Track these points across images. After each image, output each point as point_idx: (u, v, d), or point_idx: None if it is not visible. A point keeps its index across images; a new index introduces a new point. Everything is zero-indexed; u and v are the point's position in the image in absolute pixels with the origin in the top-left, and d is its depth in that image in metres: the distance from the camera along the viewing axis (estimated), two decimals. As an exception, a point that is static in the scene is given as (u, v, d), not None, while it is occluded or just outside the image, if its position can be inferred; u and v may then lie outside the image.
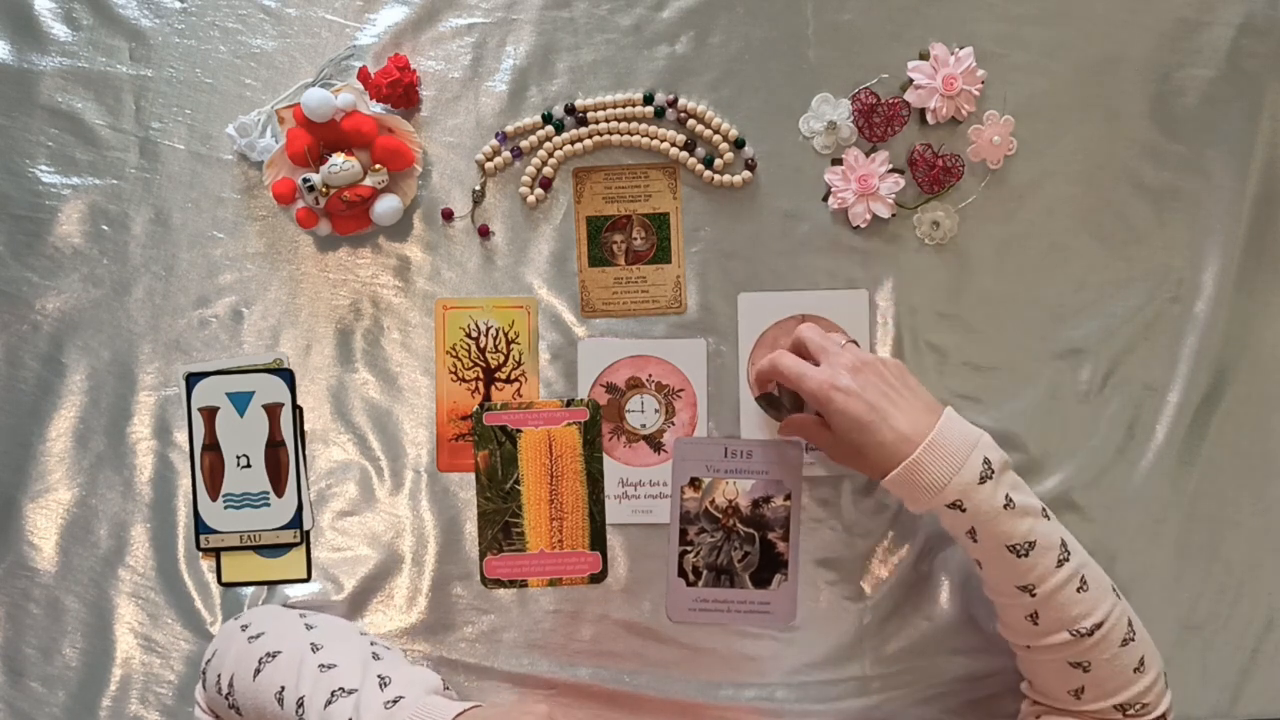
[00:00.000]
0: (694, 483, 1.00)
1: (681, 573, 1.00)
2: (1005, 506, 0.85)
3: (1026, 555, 0.85)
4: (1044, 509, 0.88)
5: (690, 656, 1.00)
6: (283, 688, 0.86)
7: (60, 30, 1.00)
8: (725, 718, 1.00)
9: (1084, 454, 1.01)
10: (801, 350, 0.94)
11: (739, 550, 1.00)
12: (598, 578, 1.01)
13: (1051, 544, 0.86)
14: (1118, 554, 1.01)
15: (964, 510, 0.86)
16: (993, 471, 0.86)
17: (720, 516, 1.00)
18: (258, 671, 0.88)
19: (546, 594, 1.01)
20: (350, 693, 0.83)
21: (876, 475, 0.88)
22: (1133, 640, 0.87)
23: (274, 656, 0.88)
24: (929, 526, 1.00)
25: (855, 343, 0.96)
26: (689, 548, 1.00)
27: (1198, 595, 1.02)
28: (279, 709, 0.85)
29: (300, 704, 0.84)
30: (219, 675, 0.91)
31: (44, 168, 1.00)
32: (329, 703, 0.83)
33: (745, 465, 1.00)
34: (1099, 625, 0.85)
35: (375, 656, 0.89)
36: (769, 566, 1.00)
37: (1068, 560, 0.86)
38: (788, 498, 1.00)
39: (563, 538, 1.01)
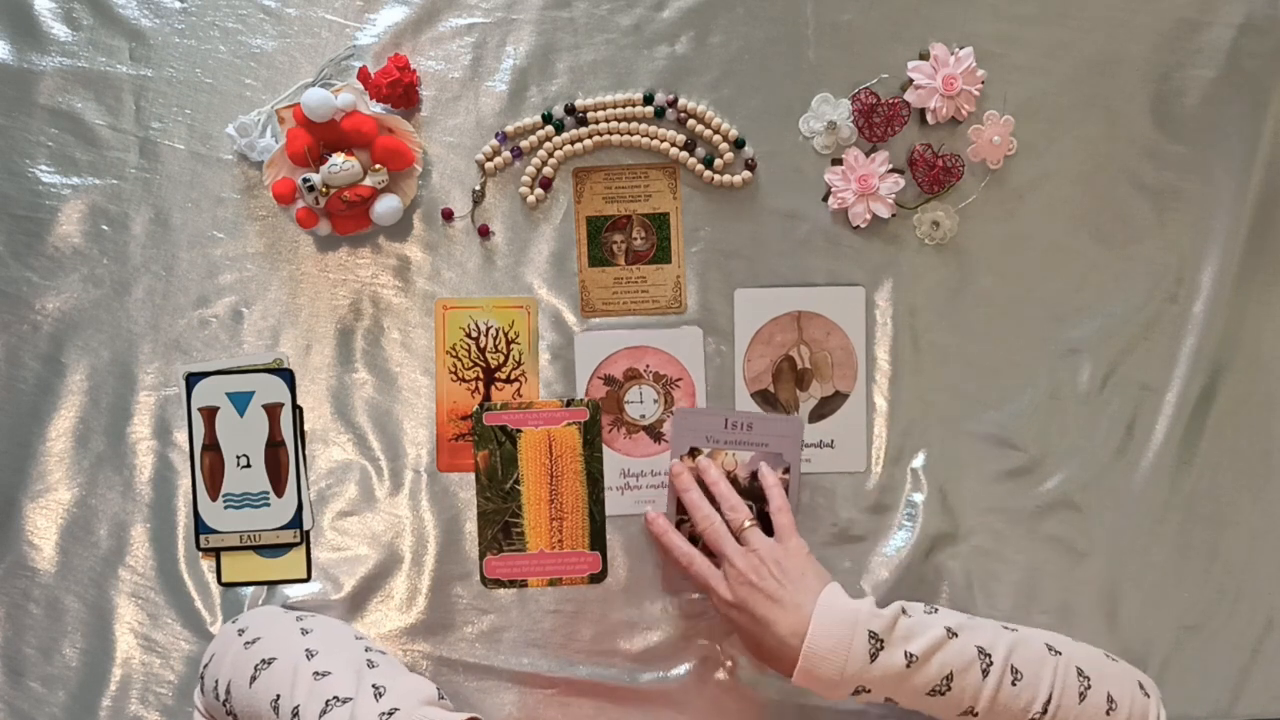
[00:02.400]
0: (693, 453, 1.00)
1: None
2: (908, 665, 0.86)
3: (950, 689, 0.86)
4: (949, 629, 0.87)
5: (689, 654, 1.00)
6: (278, 696, 0.86)
7: (60, 30, 1.00)
8: (724, 715, 1.00)
9: (1084, 454, 1.01)
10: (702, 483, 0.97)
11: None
12: (598, 578, 1.01)
13: (969, 662, 0.86)
14: (1117, 554, 1.01)
15: (869, 691, 0.87)
16: (881, 643, 0.86)
17: None
18: (253, 679, 0.88)
19: (546, 594, 1.01)
20: (344, 702, 0.83)
21: (787, 676, 0.89)
22: (1090, 688, 0.87)
23: (269, 664, 0.88)
24: (929, 526, 1.00)
25: (754, 521, 0.95)
26: (686, 518, 0.99)
27: (1197, 595, 1.02)
28: (275, 717, 0.85)
29: (295, 713, 0.84)
30: (216, 681, 0.91)
31: (44, 168, 1.00)
32: (323, 712, 0.83)
33: (745, 437, 1.00)
34: (1048, 701, 0.86)
35: (370, 664, 0.89)
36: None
37: (991, 665, 0.86)
38: (786, 470, 1.00)
39: (562, 538, 1.01)
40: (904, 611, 0.88)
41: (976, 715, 0.86)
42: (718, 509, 0.96)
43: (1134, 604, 1.01)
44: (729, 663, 1.00)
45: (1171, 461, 1.01)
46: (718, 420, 1.00)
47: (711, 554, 0.95)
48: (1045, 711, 0.86)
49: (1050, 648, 0.89)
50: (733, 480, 0.99)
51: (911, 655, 0.86)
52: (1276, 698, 1.02)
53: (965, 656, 0.86)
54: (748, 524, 0.94)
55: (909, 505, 1.01)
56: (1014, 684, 0.86)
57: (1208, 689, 1.01)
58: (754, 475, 1.00)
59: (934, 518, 1.00)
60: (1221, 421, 1.02)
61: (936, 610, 0.90)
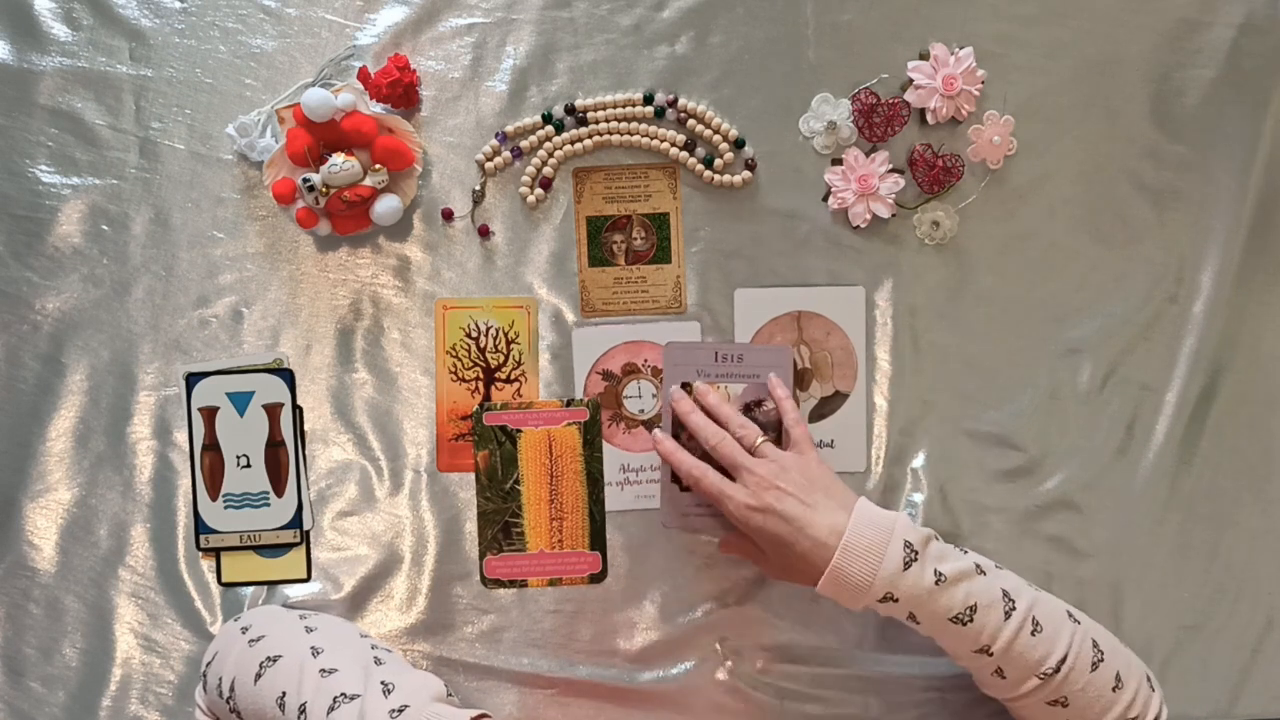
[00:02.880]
0: (685, 387, 1.00)
1: (675, 479, 1.00)
2: (937, 583, 0.85)
3: (971, 621, 0.86)
4: (978, 565, 0.87)
5: (689, 654, 1.00)
6: (284, 693, 0.86)
7: (60, 30, 1.00)
8: (724, 715, 1.00)
9: (1084, 454, 1.01)
10: (711, 417, 0.95)
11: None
12: (598, 578, 1.01)
13: (994, 600, 0.86)
14: (1118, 554, 1.01)
15: (896, 600, 0.86)
16: (915, 553, 0.86)
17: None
18: (259, 676, 0.88)
19: (546, 594, 1.01)
20: (352, 698, 0.83)
21: (809, 584, 0.88)
22: (1102, 661, 0.87)
23: (275, 661, 0.88)
24: (929, 526, 1.00)
25: (768, 437, 0.94)
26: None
27: (1198, 595, 1.02)
28: (280, 714, 0.85)
29: (302, 710, 0.84)
30: (220, 679, 0.90)
31: (44, 168, 1.00)
32: (331, 709, 0.83)
33: (736, 369, 0.99)
34: (1063, 660, 0.86)
35: (377, 661, 0.89)
36: None
37: (1014, 610, 0.86)
38: None
39: (562, 538, 1.01)
40: (935, 537, 0.88)
41: (991, 655, 0.86)
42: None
43: (1134, 604, 1.01)
44: (729, 663, 1.00)
45: (1171, 461, 1.01)
46: (708, 353, 1.00)
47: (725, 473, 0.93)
48: (1057, 670, 0.85)
49: (1070, 614, 0.89)
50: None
51: (941, 575, 0.85)
52: (1276, 698, 1.02)
53: (991, 594, 0.86)
54: (760, 440, 0.93)
55: (909, 505, 1.01)
56: (1033, 634, 0.86)
57: (1208, 689, 1.01)
58: (747, 408, 0.98)
59: (934, 518, 1.00)
60: (1221, 421, 1.02)
61: (966, 551, 0.90)
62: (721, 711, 1.00)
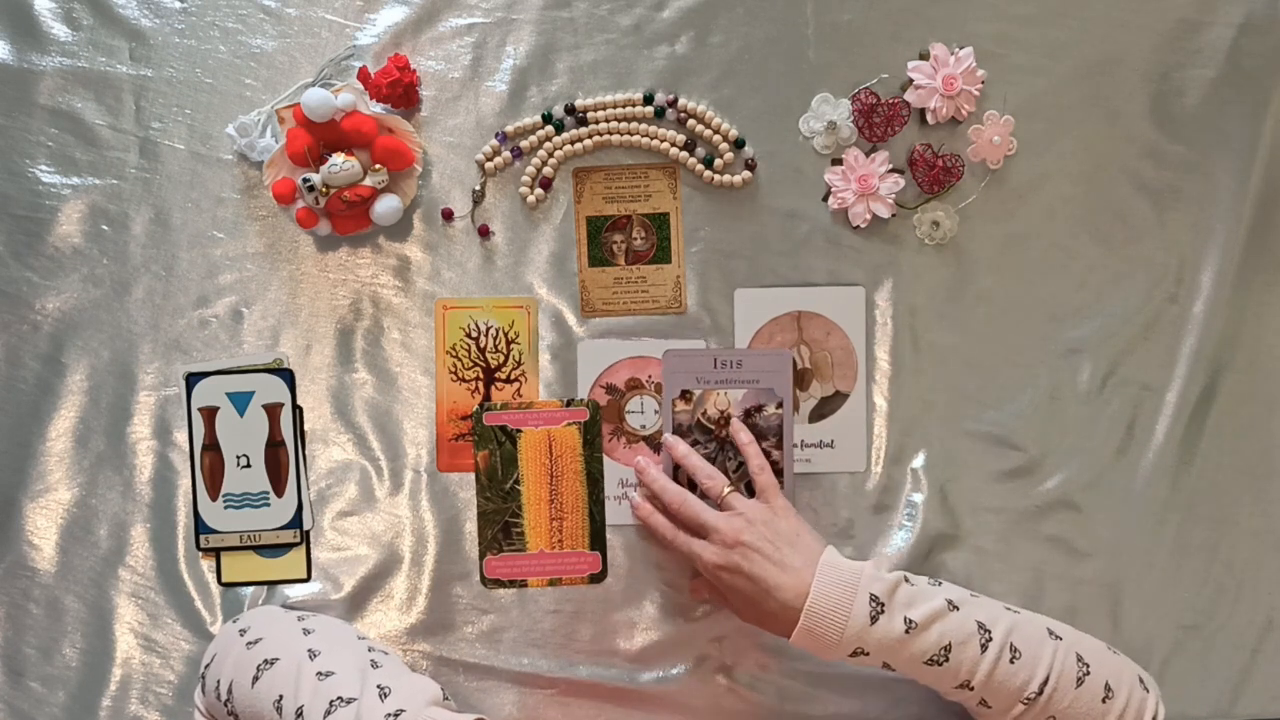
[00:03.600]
0: (685, 395, 1.00)
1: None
2: (907, 631, 0.85)
3: (947, 660, 0.85)
4: (950, 602, 0.87)
5: (689, 654, 1.00)
6: (281, 696, 0.85)
7: (60, 30, 1.00)
8: (724, 715, 1.00)
9: (1084, 454, 1.01)
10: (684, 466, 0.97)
11: (733, 461, 1.00)
12: (598, 578, 1.01)
13: (969, 635, 0.86)
14: (1118, 554, 1.01)
15: (867, 654, 0.86)
16: (882, 606, 0.85)
17: (713, 428, 1.00)
18: (256, 679, 0.88)
19: (546, 594, 1.01)
20: (349, 701, 0.83)
21: (784, 636, 0.88)
22: (1088, 675, 0.87)
23: (272, 664, 0.88)
24: (929, 526, 1.00)
25: (734, 486, 0.94)
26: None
27: (1198, 595, 1.02)
28: (278, 717, 0.85)
29: (299, 713, 0.83)
30: (218, 681, 0.90)
31: (44, 168, 1.00)
32: (328, 712, 0.83)
33: (735, 375, 0.99)
34: (1045, 682, 0.86)
35: (374, 664, 0.89)
36: None
37: (991, 640, 0.86)
38: (779, 405, 1.00)
39: (562, 538, 1.01)
40: (906, 580, 0.88)
41: (972, 689, 0.86)
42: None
43: (1134, 604, 1.01)
44: (729, 663, 1.00)
45: (1171, 461, 1.01)
46: (707, 360, 1.00)
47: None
48: (1040, 693, 0.85)
49: (1051, 632, 0.88)
50: (726, 420, 0.99)
51: (911, 622, 0.85)
52: (1276, 698, 1.02)
53: (965, 629, 0.86)
54: (727, 490, 0.94)
55: (909, 505, 1.01)
56: (1012, 662, 0.86)
57: (1208, 689, 1.01)
58: (747, 413, 0.99)
59: (934, 518, 1.00)
60: (1221, 421, 1.02)
61: (941, 584, 0.90)
62: (721, 711, 1.00)
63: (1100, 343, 1.01)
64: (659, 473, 0.98)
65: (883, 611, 0.85)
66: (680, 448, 0.98)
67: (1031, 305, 1.01)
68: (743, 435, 0.98)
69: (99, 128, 1.00)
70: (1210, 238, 1.01)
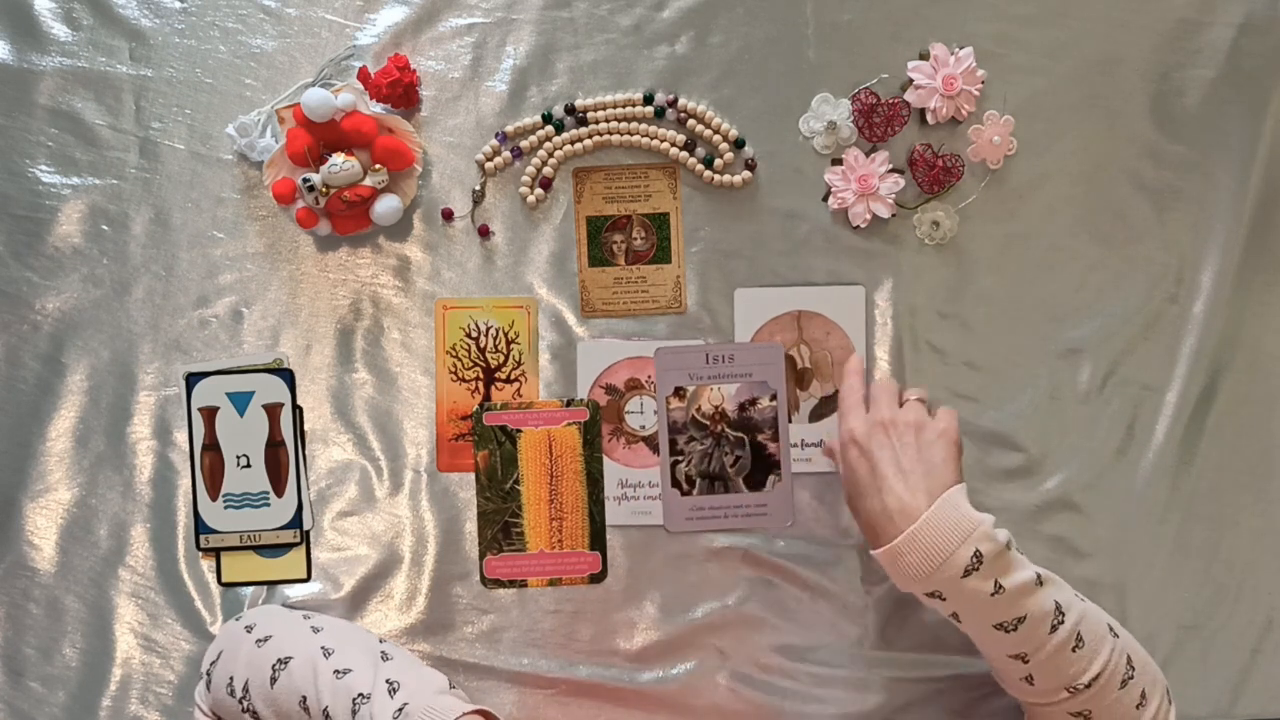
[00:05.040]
0: (679, 392, 1.00)
1: (675, 484, 1.00)
2: (993, 594, 0.84)
3: (1016, 630, 0.84)
4: (1038, 577, 0.85)
5: (689, 654, 1.00)
6: (305, 697, 0.86)
7: (60, 30, 1.00)
8: (724, 715, 1.00)
9: (1084, 454, 1.01)
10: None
11: (730, 455, 1.00)
12: (598, 578, 1.01)
13: (1044, 613, 0.84)
14: (1118, 554, 1.01)
15: (944, 600, 0.85)
16: (980, 563, 0.83)
17: (708, 423, 1.00)
18: (274, 679, 0.88)
19: (546, 594, 1.01)
20: (368, 697, 0.84)
21: (869, 539, 0.88)
22: (1132, 679, 0.86)
23: (286, 663, 0.88)
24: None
25: (922, 400, 0.94)
26: (680, 457, 1.00)
27: (1198, 595, 1.02)
28: (307, 717, 0.86)
29: (326, 715, 0.84)
30: (230, 679, 0.90)
31: (44, 168, 1.00)
32: (354, 712, 0.83)
33: (728, 370, 1.00)
34: (1097, 677, 0.85)
35: (384, 656, 0.89)
36: (761, 469, 1.00)
37: (1062, 624, 0.85)
38: (773, 398, 1.00)
39: (562, 538, 1.01)
40: (1009, 546, 0.85)
41: (1027, 662, 0.85)
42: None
43: (1134, 604, 1.01)
44: (729, 663, 1.00)
45: (1171, 461, 1.01)
46: (699, 355, 1.00)
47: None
48: (1089, 686, 0.85)
49: (1111, 629, 0.88)
50: (721, 415, 0.99)
51: (1000, 587, 0.83)
52: (1276, 698, 1.02)
53: (1044, 608, 0.84)
54: (914, 396, 0.93)
55: (909, 505, 1.01)
56: (1074, 650, 0.85)
57: (1208, 689, 1.01)
58: (741, 407, 0.99)
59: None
60: (1221, 421, 1.02)
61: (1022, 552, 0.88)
62: (721, 712, 1.00)
63: (1100, 343, 1.01)
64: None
65: (978, 568, 0.83)
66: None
67: (1031, 305, 1.01)
68: (852, 362, 0.96)
69: (99, 128, 1.00)
70: (1210, 238, 1.01)
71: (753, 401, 0.99)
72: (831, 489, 1.01)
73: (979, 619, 0.85)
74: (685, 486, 1.00)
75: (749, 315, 1.01)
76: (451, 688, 0.88)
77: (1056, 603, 0.85)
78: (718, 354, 0.99)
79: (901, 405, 0.92)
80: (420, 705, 0.83)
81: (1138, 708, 0.86)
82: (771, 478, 1.00)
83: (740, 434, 0.99)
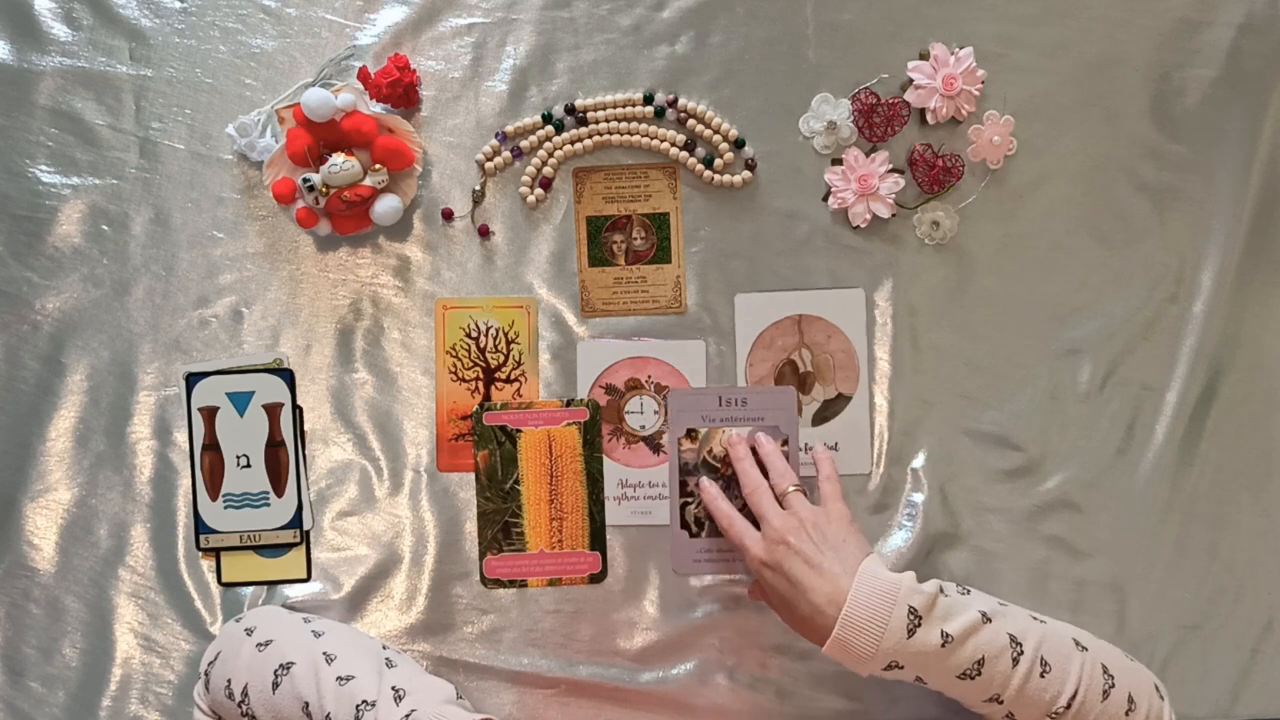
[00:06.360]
0: (690, 434, 1.00)
1: (684, 525, 1.00)
2: (943, 645, 0.84)
3: (980, 674, 0.84)
4: (983, 614, 0.86)
5: (689, 654, 1.00)
6: (307, 703, 0.86)
7: (60, 30, 1.00)
8: (724, 715, 1.00)
9: (1084, 454, 1.01)
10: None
11: (739, 499, 0.99)
12: (598, 578, 1.01)
13: (1001, 649, 0.85)
14: (1118, 554, 1.01)
15: (902, 668, 0.85)
16: (920, 619, 0.84)
17: (719, 466, 1.00)
18: (276, 685, 0.88)
19: (546, 594, 1.01)
20: (373, 704, 0.83)
21: (818, 644, 0.87)
22: (1113, 687, 0.86)
23: (288, 669, 0.88)
24: (929, 526, 1.00)
25: (799, 488, 0.94)
26: (689, 499, 1.00)
27: (1198, 595, 1.02)
28: None
29: None
30: (229, 681, 0.90)
31: (44, 168, 1.00)
32: (357, 718, 0.83)
33: (740, 413, 0.99)
34: (1074, 696, 0.85)
35: (389, 663, 0.89)
36: None
37: (1022, 654, 0.85)
38: (785, 442, 1.00)
39: (562, 538, 1.01)
40: (941, 590, 0.87)
41: (1002, 703, 0.85)
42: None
43: (1134, 604, 1.01)
44: (729, 663, 1.00)
45: (1171, 461, 1.01)
46: (711, 398, 1.00)
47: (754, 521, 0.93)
48: (1069, 706, 0.85)
49: (1077, 643, 0.88)
50: (728, 460, 0.99)
51: (948, 635, 0.84)
52: (1276, 698, 1.02)
53: (998, 643, 0.85)
54: (791, 489, 0.93)
55: (909, 505, 1.01)
56: (1042, 676, 0.85)
57: (1208, 689, 1.01)
58: (753, 450, 0.99)
59: (934, 518, 1.00)
60: (1221, 421, 1.02)
61: (969, 591, 0.89)
62: (721, 711, 1.00)
63: (1100, 343, 1.01)
64: (746, 452, 0.97)
65: (920, 625, 0.84)
66: (766, 445, 0.97)
67: (1031, 305, 1.01)
68: (823, 458, 0.97)
69: (99, 128, 1.00)
70: (1210, 238, 1.01)
71: None
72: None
73: (941, 675, 0.85)
74: (694, 528, 1.00)
75: (750, 321, 1.00)
76: (459, 698, 0.87)
77: (1010, 635, 0.85)
78: (730, 397, 1.00)
79: (782, 503, 0.92)
80: (429, 712, 0.83)
81: (1127, 714, 0.86)
82: None
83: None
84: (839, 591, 0.85)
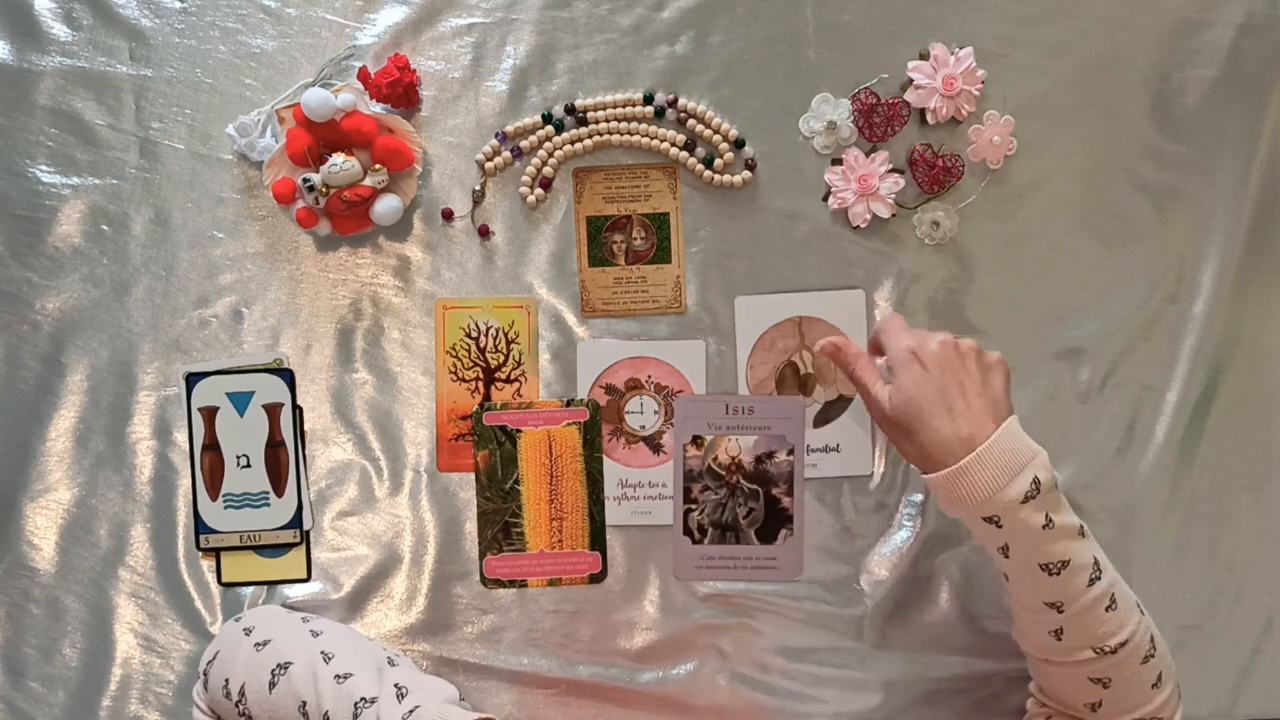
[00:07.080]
0: (696, 441, 1.00)
1: (687, 531, 1.00)
2: (1044, 527, 0.83)
3: (1059, 574, 0.84)
4: (1081, 527, 0.86)
5: (689, 654, 1.00)
6: (305, 702, 0.86)
7: (60, 30, 1.00)
8: (724, 715, 1.00)
9: (1084, 454, 1.01)
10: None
11: (743, 507, 1.00)
12: (598, 578, 1.01)
13: (1085, 563, 0.84)
14: (1118, 554, 1.01)
15: (1000, 526, 0.84)
16: (1038, 491, 0.83)
17: (723, 473, 1.00)
18: (273, 685, 0.88)
19: (546, 594, 1.01)
20: (372, 701, 0.83)
21: (920, 466, 0.87)
22: (1153, 657, 0.86)
23: (285, 669, 0.88)
24: (929, 526, 1.00)
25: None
26: (693, 506, 1.00)
27: (1198, 595, 1.02)
28: None
29: (326, 718, 0.84)
30: (226, 681, 0.90)
31: (44, 168, 1.00)
32: (355, 715, 0.83)
33: (747, 421, 1.00)
34: (1124, 643, 0.85)
35: (390, 662, 0.89)
36: (774, 522, 1.00)
37: (1099, 579, 0.85)
38: (790, 452, 1.00)
39: (562, 538, 1.01)
40: (1057, 487, 0.85)
41: (1062, 612, 0.84)
42: None
43: (1134, 604, 1.01)
44: (729, 663, 1.00)
45: (1171, 461, 1.01)
46: (718, 406, 1.00)
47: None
48: (1115, 651, 0.84)
49: (1139, 605, 0.88)
50: (737, 466, 0.99)
51: (1051, 521, 0.83)
52: (1276, 698, 1.02)
53: (1084, 558, 0.84)
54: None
55: (909, 505, 1.01)
56: (1107, 610, 0.85)
57: (1208, 689, 1.01)
58: (758, 460, 0.99)
59: (934, 518, 1.00)
60: (1222, 421, 1.02)
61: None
62: (721, 712, 1.00)
63: (1100, 343, 1.01)
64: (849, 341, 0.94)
65: (1035, 496, 0.83)
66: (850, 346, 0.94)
67: (1031, 305, 1.01)
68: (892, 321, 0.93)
69: (99, 128, 1.00)
70: (1210, 238, 1.01)
71: (770, 455, 0.99)
72: (832, 489, 1.01)
73: (1027, 554, 0.84)
74: (697, 534, 1.00)
75: (750, 323, 1.00)
76: (461, 699, 0.87)
77: (1095, 558, 0.85)
78: (737, 405, 1.00)
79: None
80: (432, 710, 0.83)
81: (1153, 687, 0.87)
82: (783, 532, 1.00)
83: (755, 486, 0.99)
84: (981, 433, 0.84)
